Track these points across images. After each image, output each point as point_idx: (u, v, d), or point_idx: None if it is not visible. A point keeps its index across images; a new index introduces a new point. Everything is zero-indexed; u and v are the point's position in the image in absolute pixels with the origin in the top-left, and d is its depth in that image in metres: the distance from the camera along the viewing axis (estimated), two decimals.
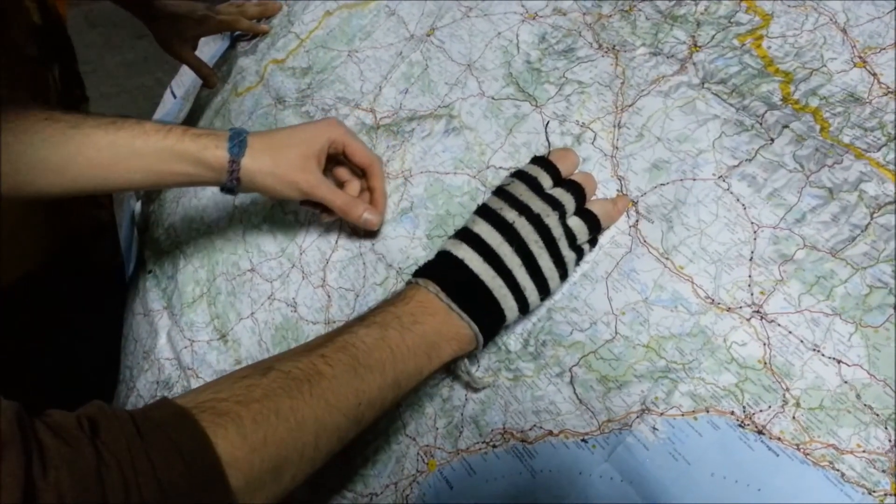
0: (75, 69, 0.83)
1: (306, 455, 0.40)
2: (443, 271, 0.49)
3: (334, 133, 0.59)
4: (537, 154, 0.57)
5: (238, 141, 0.57)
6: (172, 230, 0.81)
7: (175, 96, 1.06)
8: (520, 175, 0.53)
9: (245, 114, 0.83)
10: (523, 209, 0.50)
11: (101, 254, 0.89)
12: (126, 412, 0.37)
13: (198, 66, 0.93)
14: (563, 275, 0.50)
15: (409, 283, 0.50)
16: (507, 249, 0.48)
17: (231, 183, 0.57)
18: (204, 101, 0.94)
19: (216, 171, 0.57)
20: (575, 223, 0.50)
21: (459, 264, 0.48)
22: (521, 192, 0.51)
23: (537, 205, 0.50)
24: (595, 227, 0.51)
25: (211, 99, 0.92)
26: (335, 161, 0.63)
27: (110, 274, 0.93)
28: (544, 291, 0.49)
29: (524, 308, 0.49)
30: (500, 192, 0.52)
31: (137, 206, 0.94)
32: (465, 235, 0.50)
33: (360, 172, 0.63)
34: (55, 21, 0.78)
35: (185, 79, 1.06)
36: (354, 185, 0.62)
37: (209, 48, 1.03)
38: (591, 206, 0.52)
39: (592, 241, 0.52)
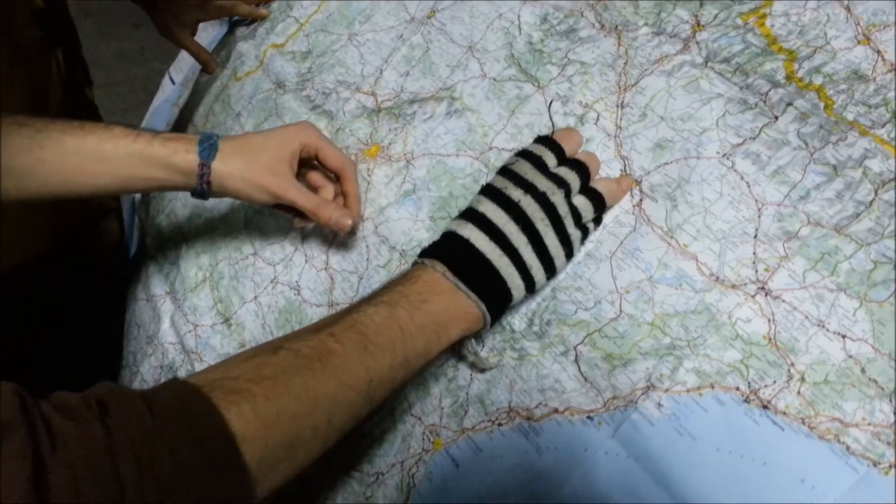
0: (79, 53, 0.83)
1: (320, 432, 0.40)
2: (449, 251, 0.49)
3: (306, 137, 0.59)
4: (540, 134, 0.57)
5: (208, 144, 0.56)
6: (174, 216, 0.81)
7: (174, 82, 1.05)
8: (524, 154, 0.53)
9: (245, 98, 0.83)
10: (529, 188, 0.50)
11: (109, 238, 0.89)
12: (135, 391, 0.37)
13: (197, 52, 0.92)
14: (569, 253, 0.50)
15: (415, 263, 0.50)
16: (513, 228, 0.48)
17: (201, 187, 0.57)
18: (203, 87, 0.94)
19: (186, 176, 0.56)
20: (580, 202, 0.50)
21: (465, 244, 0.48)
22: (526, 170, 0.51)
23: (543, 183, 0.50)
24: (600, 205, 0.51)
25: (210, 84, 0.92)
26: (309, 165, 0.62)
27: (110, 272, 0.93)
28: (550, 270, 0.49)
29: (531, 287, 0.49)
30: (505, 171, 0.52)
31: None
32: (471, 215, 0.50)
33: (335, 177, 0.62)
34: (58, 5, 0.77)
35: (184, 65, 1.05)
36: (329, 190, 0.62)
37: (207, 34, 1.03)
38: (596, 184, 0.52)
39: (597, 220, 0.52)
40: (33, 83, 0.77)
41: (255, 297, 0.67)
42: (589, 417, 0.47)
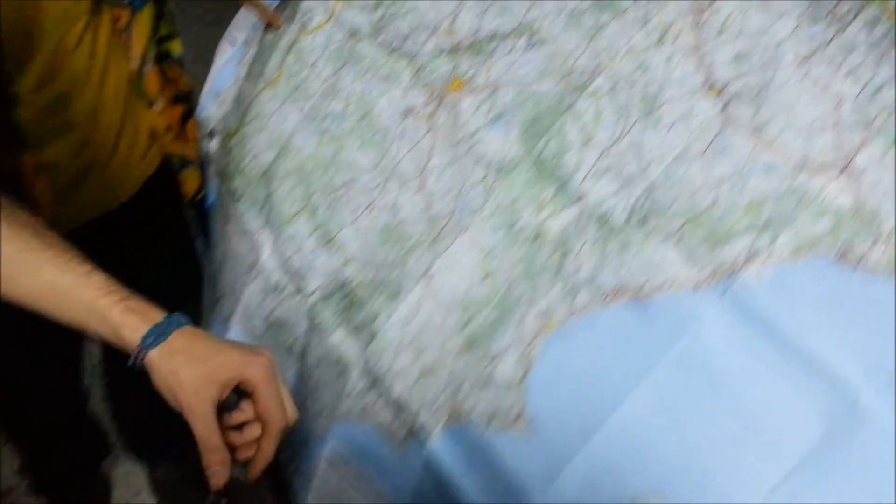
0: (167, 9, 0.88)
1: None
2: None
3: (251, 372, 0.56)
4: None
5: (160, 332, 0.55)
6: (259, 159, 0.87)
7: (234, 44, 1.10)
8: None
9: (318, 49, 0.88)
10: None
11: (186, 187, 0.95)
12: None
13: (263, 11, 0.97)
14: None
15: None
16: None
17: (134, 362, 0.55)
18: (269, 44, 0.98)
19: (125, 347, 0.55)
20: None
21: None
22: None
23: None
24: None
25: (278, 41, 0.96)
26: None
27: (182, 220, 1.00)
28: None
29: None
30: None
31: (213, 142, 0.99)
32: None
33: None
34: None
35: (243, 25, 1.10)
36: (254, 429, 0.58)
37: None
38: None
39: None
40: (117, 34, 0.82)
41: (355, 220, 0.73)
42: (694, 288, 0.53)
